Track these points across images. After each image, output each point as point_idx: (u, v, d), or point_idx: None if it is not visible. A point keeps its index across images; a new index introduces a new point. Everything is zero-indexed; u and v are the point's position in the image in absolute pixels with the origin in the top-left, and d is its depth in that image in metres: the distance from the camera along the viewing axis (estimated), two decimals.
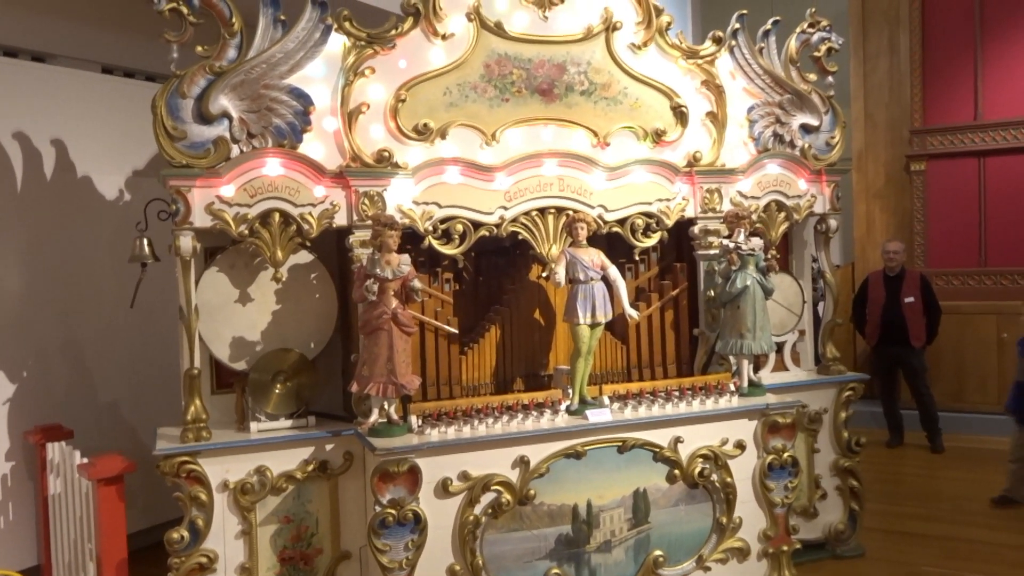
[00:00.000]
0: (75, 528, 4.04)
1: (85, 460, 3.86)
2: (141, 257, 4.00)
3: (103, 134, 5.01)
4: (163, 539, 3.57)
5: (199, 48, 3.64)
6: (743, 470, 4.10)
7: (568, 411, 3.90)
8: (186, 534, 3.58)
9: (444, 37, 4.00)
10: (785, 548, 4.17)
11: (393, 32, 3.92)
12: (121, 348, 5.11)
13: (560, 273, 3.94)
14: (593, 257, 3.97)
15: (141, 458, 3.95)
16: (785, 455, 4.13)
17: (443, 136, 3.98)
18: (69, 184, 4.90)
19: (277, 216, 3.73)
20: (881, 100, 8.31)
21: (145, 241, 3.98)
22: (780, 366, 4.83)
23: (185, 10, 3.59)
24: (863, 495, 4.86)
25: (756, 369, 4.38)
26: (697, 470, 3.98)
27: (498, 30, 4.07)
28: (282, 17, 3.75)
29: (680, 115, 4.40)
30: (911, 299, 6.94)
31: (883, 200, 8.35)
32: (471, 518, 3.62)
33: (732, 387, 4.17)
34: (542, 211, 4.13)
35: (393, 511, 3.47)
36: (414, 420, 3.65)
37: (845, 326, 8.16)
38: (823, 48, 4.77)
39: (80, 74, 5.00)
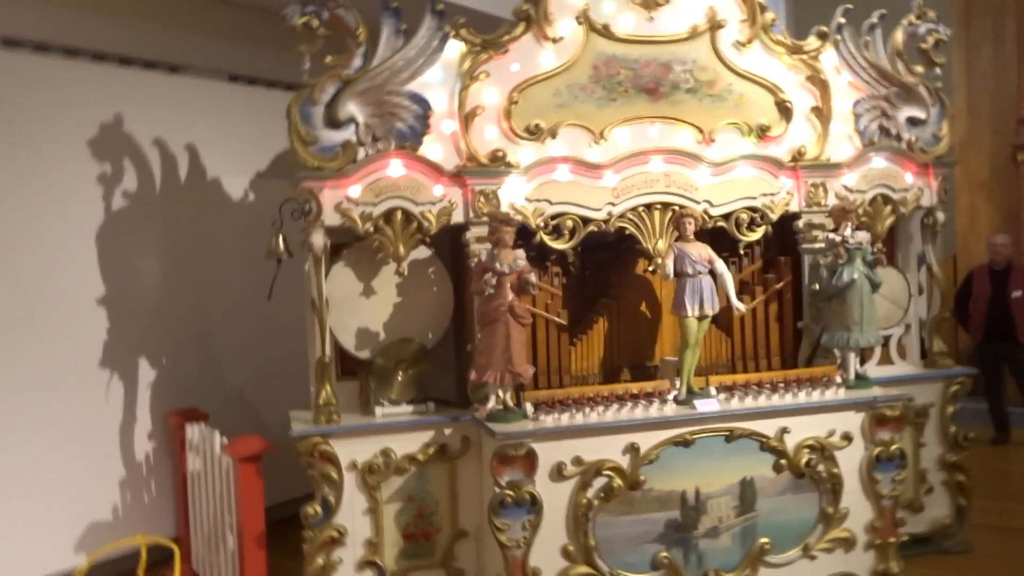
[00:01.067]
0: (215, 503, 4.37)
1: (226, 440, 4.18)
2: (277, 253, 4.29)
3: (229, 139, 5.38)
4: (286, 515, 3.83)
5: (328, 58, 3.89)
6: (850, 461, 4.14)
7: (676, 401, 4.02)
8: (319, 509, 3.85)
9: (554, 40, 4.16)
10: (892, 540, 4.20)
11: (506, 37, 4.11)
12: (248, 338, 5.46)
13: (669, 267, 4.06)
14: (701, 251, 4.08)
15: (269, 439, 4.24)
16: (893, 448, 4.16)
17: (553, 136, 4.15)
18: (200, 186, 5.29)
19: (399, 214, 3.96)
20: (985, 89, 8.11)
21: (281, 238, 4.27)
22: (886, 360, 4.83)
23: (315, 23, 3.84)
24: (970, 490, 4.82)
25: (862, 362, 4.40)
26: (804, 460, 4.05)
27: (605, 32, 4.21)
28: (403, 27, 3.97)
29: (784, 110, 4.45)
30: (1019, 293, 6.77)
31: (987, 191, 8.15)
32: (584, 501, 3.79)
33: (838, 379, 4.22)
34: (648, 207, 4.26)
35: (511, 492, 3.66)
36: (529, 407, 3.84)
37: (948, 320, 8.02)
38: (930, 40, 4.75)
39: (209, 84, 5.37)
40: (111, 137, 4.86)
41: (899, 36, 4.70)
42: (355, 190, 3.92)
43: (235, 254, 5.32)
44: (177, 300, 5.16)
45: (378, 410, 4.05)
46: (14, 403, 4.43)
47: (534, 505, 3.71)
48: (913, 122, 4.71)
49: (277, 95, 5.46)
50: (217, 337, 5.36)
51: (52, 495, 4.54)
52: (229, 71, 5.51)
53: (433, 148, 4.05)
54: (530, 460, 3.69)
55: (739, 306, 4.16)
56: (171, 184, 5.14)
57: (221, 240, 5.35)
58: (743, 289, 4.53)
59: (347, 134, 3.93)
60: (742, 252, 4.50)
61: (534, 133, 4.13)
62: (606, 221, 4.20)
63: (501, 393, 3.85)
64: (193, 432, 4.62)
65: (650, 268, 4.31)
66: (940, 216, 4.79)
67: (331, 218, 3.90)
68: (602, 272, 4.50)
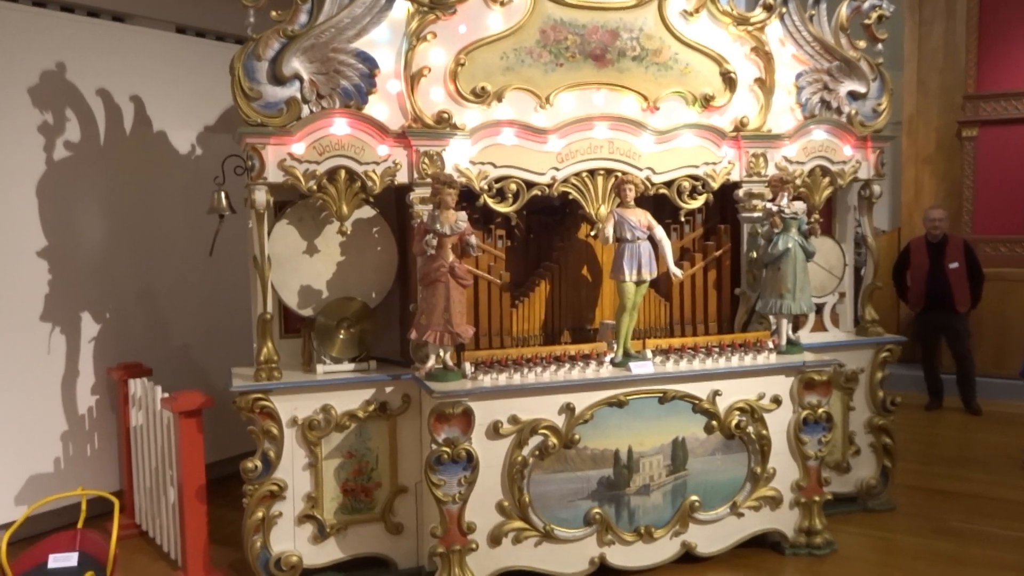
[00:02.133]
0: (156, 457, 4.41)
1: (167, 395, 4.20)
2: (219, 209, 4.28)
3: (177, 91, 5.30)
4: (230, 472, 3.89)
5: (273, 13, 3.86)
6: (778, 424, 4.30)
7: (612, 363, 4.12)
8: (259, 464, 3.91)
9: (502, 3, 4.17)
10: (817, 499, 4.38)
11: None
12: (194, 294, 5.45)
13: (608, 232, 4.14)
14: (640, 217, 4.16)
15: (213, 395, 4.27)
16: (820, 411, 4.32)
17: (499, 99, 4.18)
18: (146, 139, 5.22)
19: (343, 173, 3.97)
20: (935, 65, 8.26)
21: (223, 194, 4.26)
22: (819, 327, 4.99)
23: None
24: (896, 453, 5.02)
25: (795, 329, 4.54)
26: (734, 422, 4.20)
27: None
28: None
29: (729, 81, 4.52)
30: (955, 265, 6.99)
31: (932, 166, 8.35)
32: (519, 459, 3.89)
33: (771, 345, 4.36)
34: (592, 172, 4.31)
35: (448, 449, 3.75)
36: (468, 367, 3.91)
37: (887, 290, 8.26)
38: (874, 15, 4.82)
39: (156, 34, 5.28)
40: (53, 86, 4.77)
41: (843, 11, 4.78)
42: (299, 147, 3.92)
43: (182, 209, 5.29)
44: (121, 254, 5.12)
45: (319, 367, 4.10)
46: None
47: (470, 462, 3.80)
48: (854, 96, 4.81)
49: (227, 48, 5.40)
50: (163, 293, 5.34)
51: None
52: (177, 22, 5.42)
53: (379, 108, 4.05)
54: (467, 418, 3.78)
55: (676, 272, 4.27)
56: (115, 136, 5.07)
57: (167, 194, 5.30)
58: (683, 256, 4.63)
59: (292, 91, 3.91)
60: (684, 219, 4.60)
61: (480, 96, 4.15)
62: (550, 185, 4.25)
63: (441, 353, 3.91)
64: (136, 387, 4.63)
65: (592, 233, 4.38)
66: (876, 189, 4.91)
67: (274, 175, 3.89)
68: (546, 236, 4.56)
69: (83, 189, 4.95)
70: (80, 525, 3.89)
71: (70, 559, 3.60)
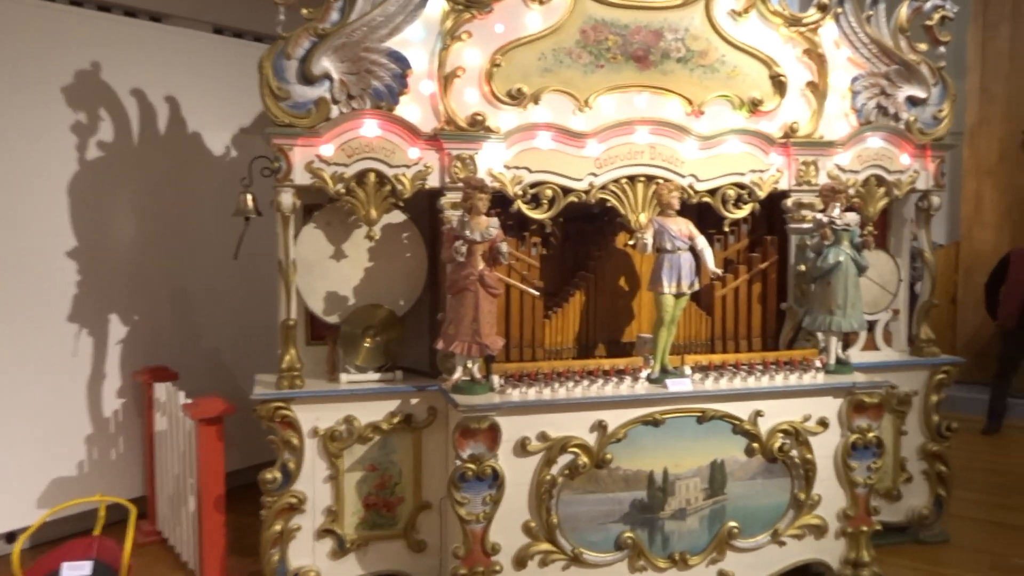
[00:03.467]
0: (178, 463, 4.33)
1: (189, 401, 4.11)
2: (245, 211, 4.20)
3: (213, 92, 5.25)
4: (256, 479, 3.80)
5: (304, 11, 3.76)
6: (825, 448, 4.05)
7: (649, 379, 3.92)
8: (278, 475, 3.79)
9: (541, 2, 4.00)
10: (865, 528, 4.11)
11: None
12: (225, 298, 5.38)
13: (648, 241, 3.94)
14: (681, 227, 3.96)
15: (239, 402, 4.18)
16: (870, 435, 4.06)
17: (536, 101, 4.01)
18: (181, 140, 5.17)
19: (372, 176, 3.84)
20: (1000, 71, 7.88)
21: (249, 196, 4.17)
22: (871, 345, 4.72)
23: None
24: (951, 481, 4.73)
25: (845, 347, 4.28)
26: (777, 445, 3.96)
27: None
28: None
29: (779, 84, 4.30)
30: None
31: (994, 178, 7.96)
32: (548, 478, 3.71)
33: (818, 363, 4.11)
34: (632, 179, 4.12)
35: (472, 466, 3.58)
36: (496, 380, 3.74)
37: (943, 308, 7.89)
38: (936, 16, 4.55)
39: (193, 34, 5.23)
40: (88, 85, 4.73)
41: (903, 12, 4.52)
42: (327, 149, 3.80)
43: (215, 211, 5.19)
44: (153, 255, 5.07)
45: (343, 377, 3.97)
46: None
47: (496, 480, 3.63)
48: (913, 102, 4.54)
49: (264, 49, 5.30)
50: (194, 295, 5.27)
51: (17, 450, 4.50)
52: (214, 22, 5.37)
53: (410, 109, 3.91)
54: (493, 434, 3.61)
55: (715, 270, 4.05)
56: (149, 136, 5.03)
57: (201, 196, 5.24)
58: (727, 268, 4.41)
59: (321, 91, 3.80)
60: (728, 230, 4.36)
61: (516, 98, 3.99)
62: (587, 192, 4.07)
63: (469, 364, 3.75)
64: (160, 391, 4.56)
65: (630, 242, 4.19)
66: (936, 200, 4.63)
67: (301, 177, 3.78)
68: (582, 244, 4.38)
69: (115, 189, 4.91)
70: (97, 532, 3.82)
71: (83, 568, 3.52)
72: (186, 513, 4.25)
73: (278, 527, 3.81)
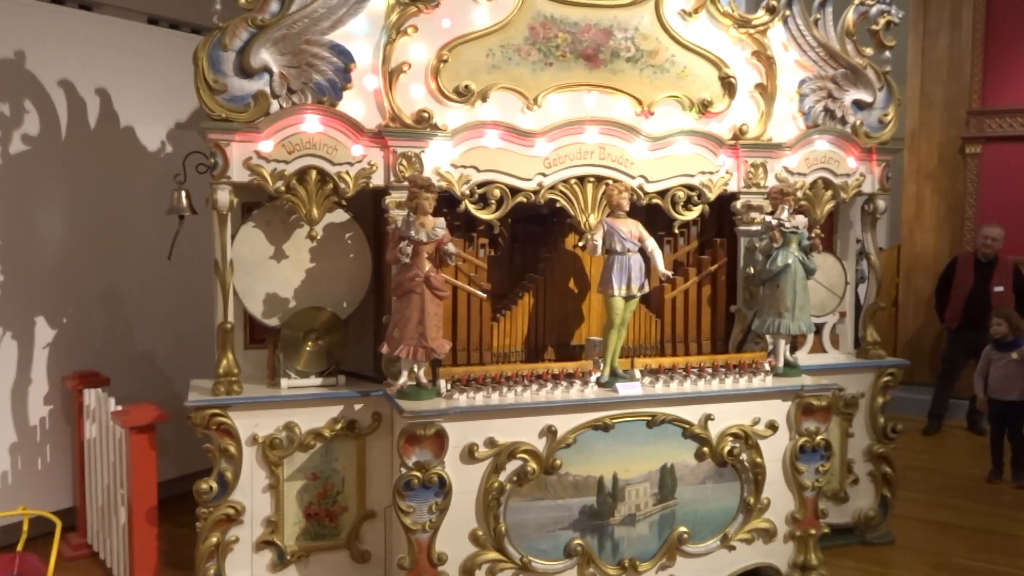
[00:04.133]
0: (108, 473, 4.12)
1: (119, 408, 3.92)
2: (178, 210, 4.03)
3: (147, 85, 5.03)
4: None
5: (242, 0, 3.61)
6: (774, 451, 4.03)
7: (598, 383, 3.85)
8: (215, 485, 3.63)
9: None
10: (813, 532, 4.11)
11: None
12: (160, 300, 5.16)
13: (597, 242, 3.88)
14: (631, 228, 3.90)
15: (176, 408, 3.99)
16: (818, 438, 4.05)
17: (484, 99, 3.92)
18: (112, 134, 4.94)
19: (314, 174, 3.70)
20: (939, 78, 8.05)
21: (183, 194, 4.00)
22: (818, 348, 4.73)
23: None
24: (896, 482, 4.76)
25: (793, 350, 4.28)
26: (727, 449, 3.93)
27: None
28: None
29: (728, 86, 4.28)
30: (1001, 288, 6.67)
31: (934, 182, 8.13)
32: (496, 485, 3.62)
33: (767, 367, 4.10)
34: (581, 179, 4.05)
35: (418, 473, 3.47)
36: (443, 384, 3.64)
37: (886, 310, 8.01)
38: (882, 21, 4.58)
39: (126, 24, 5.01)
40: (11, 76, 4.49)
41: (850, 16, 4.55)
42: (266, 145, 3.65)
43: (151, 209, 4.97)
44: (83, 255, 4.84)
45: (284, 382, 3.83)
46: None
47: (443, 487, 3.52)
48: (859, 105, 4.57)
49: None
50: (127, 297, 5.05)
51: None
52: (149, 12, 5.15)
53: (354, 105, 3.79)
54: (440, 440, 3.50)
55: (665, 272, 4.00)
56: (78, 131, 4.79)
57: (135, 193, 5.01)
58: (677, 270, 4.38)
59: (260, 84, 3.65)
60: (678, 231, 4.33)
61: (463, 95, 3.89)
62: (536, 192, 3.99)
63: (415, 369, 3.64)
64: (90, 397, 4.34)
65: (580, 243, 4.12)
66: (881, 203, 4.66)
67: (239, 174, 3.63)
68: (532, 245, 4.29)
69: (42, 186, 4.66)
70: (20, 547, 3.61)
71: None
72: (117, 525, 4.04)
73: (214, 539, 3.65)
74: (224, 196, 3.61)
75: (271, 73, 3.65)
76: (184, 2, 5.14)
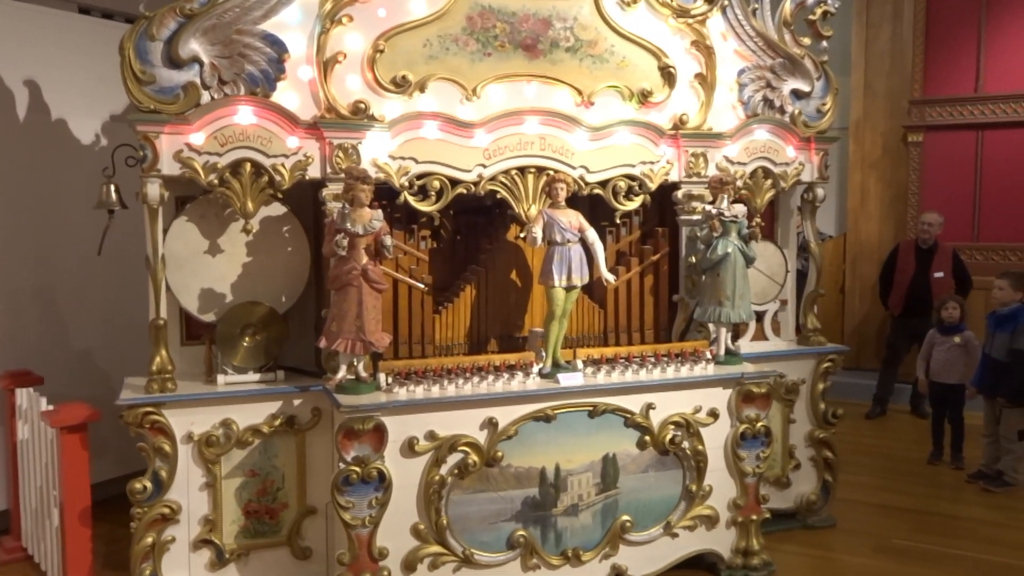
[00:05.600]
0: (41, 475, 4.02)
1: (50, 408, 3.82)
2: (107, 204, 3.93)
3: (79, 76, 4.89)
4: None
5: None
6: (715, 438, 4.07)
7: (540, 374, 3.85)
8: (149, 485, 3.56)
9: None
10: (754, 517, 4.15)
11: None
12: (96, 296, 5.03)
13: (537, 233, 3.86)
14: (571, 219, 3.90)
15: (113, 407, 3.89)
16: (758, 425, 4.10)
17: (422, 89, 3.88)
18: (43, 127, 4.80)
19: (248, 166, 3.64)
20: (882, 69, 8.16)
21: (112, 187, 3.90)
22: (760, 335, 4.78)
23: None
24: (837, 467, 4.84)
25: (735, 338, 4.32)
26: (668, 437, 3.95)
27: None
28: None
29: (668, 76, 4.29)
30: (940, 274, 6.81)
31: (879, 171, 8.25)
32: (437, 478, 3.60)
33: (708, 355, 4.13)
34: (522, 170, 4.04)
35: (357, 468, 3.43)
36: (383, 378, 3.61)
37: (831, 297, 8.15)
38: (819, 11, 4.63)
39: (56, 13, 4.87)
40: None
41: (787, 6, 4.58)
42: (198, 137, 3.58)
43: (84, 203, 4.79)
44: (14, 253, 4.70)
45: (220, 378, 3.76)
46: None
47: (382, 482, 3.49)
48: (797, 95, 4.61)
49: None
50: (60, 294, 4.91)
51: None
52: (79, 2, 5.02)
53: (288, 96, 3.73)
54: (379, 434, 3.47)
55: (609, 277, 4.01)
56: (7, 122, 4.64)
57: (67, 187, 4.87)
58: (619, 260, 4.39)
59: (190, 75, 3.57)
60: (620, 221, 4.34)
61: (401, 85, 3.85)
62: (476, 183, 3.96)
63: (354, 362, 3.60)
64: (22, 397, 4.23)
65: (521, 235, 4.11)
66: (820, 192, 4.72)
67: (170, 167, 3.55)
68: (473, 237, 4.27)
69: None
70: None
71: None
72: (50, 527, 3.94)
73: (149, 539, 3.58)
74: (154, 190, 3.53)
75: (201, 64, 3.58)
76: None
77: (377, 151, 3.81)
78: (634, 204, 4.25)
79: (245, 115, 3.63)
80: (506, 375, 3.79)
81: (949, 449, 5.92)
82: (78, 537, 3.70)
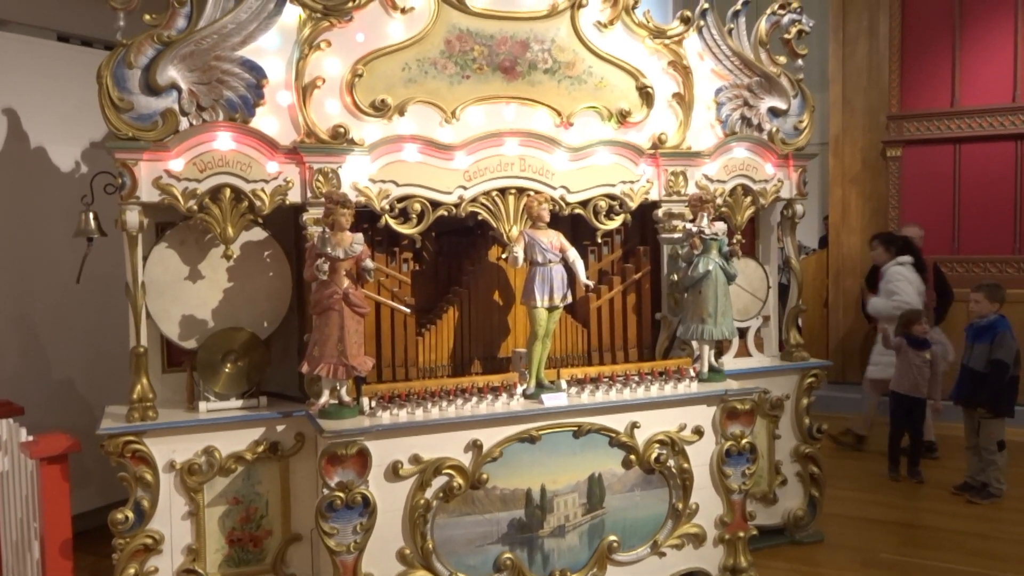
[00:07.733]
0: (22, 507, 3.95)
1: (30, 438, 3.78)
2: (86, 232, 3.91)
3: (58, 104, 4.87)
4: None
5: (147, 16, 3.53)
6: (701, 456, 4.07)
7: (524, 395, 3.85)
8: (131, 515, 3.52)
9: (403, 11, 3.90)
10: (742, 534, 4.15)
11: (350, 4, 3.81)
12: (77, 325, 4.99)
13: (518, 254, 3.87)
14: (552, 239, 3.91)
15: (95, 437, 3.85)
16: (743, 441, 4.10)
17: (401, 113, 3.90)
18: (22, 154, 4.78)
19: (228, 192, 3.64)
20: (859, 84, 8.25)
21: (91, 215, 3.88)
22: (743, 352, 4.80)
23: None
24: (823, 481, 4.84)
25: (718, 355, 4.33)
26: (653, 455, 3.95)
27: (459, 4, 3.98)
28: None
29: (646, 96, 4.32)
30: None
31: (859, 186, 8.32)
32: (422, 502, 3.58)
33: (692, 372, 4.14)
34: (502, 191, 4.05)
35: (341, 494, 3.41)
36: (366, 402, 3.60)
37: (815, 312, 8.19)
38: (793, 30, 4.70)
39: (35, 42, 4.86)
40: None
41: (763, 25, 4.65)
42: (177, 164, 3.57)
43: (64, 231, 4.76)
44: None
45: (202, 405, 3.73)
46: None
47: (367, 507, 3.47)
48: (775, 113, 4.66)
49: None
50: (40, 323, 4.87)
51: None
52: (59, 29, 5.01)
53: (267, 121, 3.73)
54: (362, 459, 3.45)
55: (587, 282, 4.02)
56: None
57: (47, 214, 4.85)
58: (601, 279, 4.40)
59: (168, 101, 3.57)
60: (601, 241, 4.36)
61: (380, 109, 3.86)
62: (457, 205, 3.97)
63: (337, 387, 3.58)
64: (1, 428, 4.17)
65: (503, 255, 4.11)
66: (799, 208, 4.76)
67: (149, 194, 3.54)
68: (456, 259, 4.27)
69: None
70: None
71: None
72: (31, 561, 3.88)
73: (132, 570, 3.54)
74: (133, 217, 3.53)
75: (179, 90, 3.58)
76: (95, 19, 5.00)
77: (357, 175, 3.81)
78: (615, 223, 4.27)
79: (224, 141, 3.63)
80: (490, 397, 3.78)
81: (906, 464, 5.92)
82: (59, 570, 3.64)
